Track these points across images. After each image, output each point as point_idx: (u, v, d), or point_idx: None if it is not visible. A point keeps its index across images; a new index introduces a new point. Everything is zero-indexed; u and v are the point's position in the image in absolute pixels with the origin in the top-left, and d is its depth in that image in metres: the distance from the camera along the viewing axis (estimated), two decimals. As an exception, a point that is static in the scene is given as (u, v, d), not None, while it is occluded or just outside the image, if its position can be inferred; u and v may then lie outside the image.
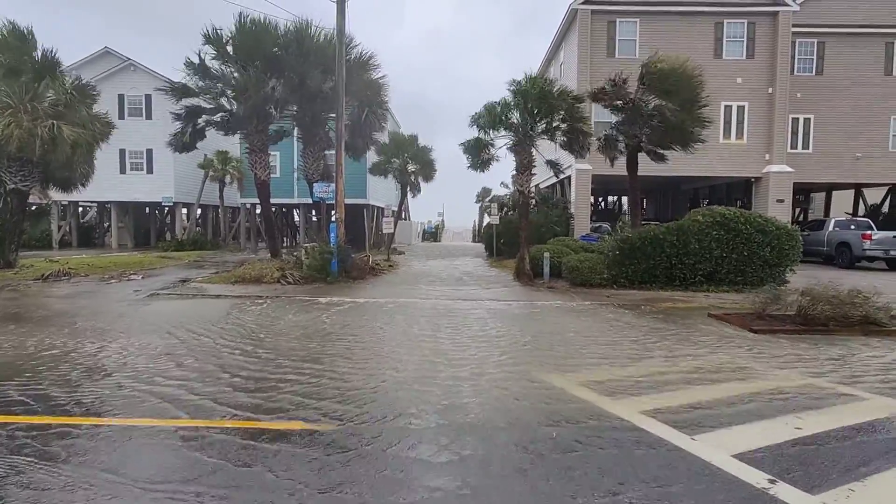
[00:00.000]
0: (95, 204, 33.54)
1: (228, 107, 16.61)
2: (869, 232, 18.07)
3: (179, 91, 16.32)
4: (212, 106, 16.75)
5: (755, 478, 3.30)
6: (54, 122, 13.19)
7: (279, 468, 3.41)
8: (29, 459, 3.51)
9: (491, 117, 14.39)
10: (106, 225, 33.17)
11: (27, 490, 3.11)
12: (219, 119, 16.85)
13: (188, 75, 16.01)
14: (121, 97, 28.19)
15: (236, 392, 4.93)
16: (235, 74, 15.44)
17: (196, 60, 15.81)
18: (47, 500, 3.01)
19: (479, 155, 15.18)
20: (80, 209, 33.71)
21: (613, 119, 15.05)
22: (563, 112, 14.14)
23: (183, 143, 17.03)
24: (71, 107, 14.11)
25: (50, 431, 3.99)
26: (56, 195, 21.69)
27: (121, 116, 27.59)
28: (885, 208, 24.87)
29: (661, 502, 3.03)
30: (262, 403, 4.66)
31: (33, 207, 34.50)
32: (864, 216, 23.03)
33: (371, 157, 24.39)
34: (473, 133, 14.99)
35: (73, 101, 14.14)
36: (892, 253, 17.57)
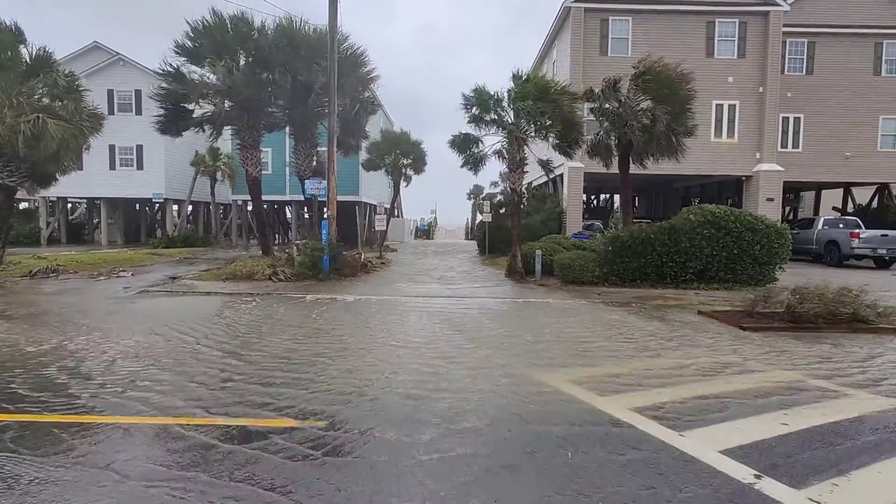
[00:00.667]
0: (85, 200, 33.21)
1: (218, 106, 16.35)
2: (857, 230, 18.26)
3: (174, 79, 15.98)
4: (205, 107, 16.50)
5: (741, 473, 3.33)
6: (39, 115, 13.02)
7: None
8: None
9: (481, 106, 14.29)
10: (95, 221, 32.86)
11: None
12: (205, 115, 16.55)
13: (179, 63, 15.70)
14: (110, 92, 27.89)
15: (214, 399, 4.79)
16: (215, 73, 15.16)
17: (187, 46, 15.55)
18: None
19: (467, 150, 15.14)
20: (70, 205, 33.36)
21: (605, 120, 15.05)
22: (556, 112, 14.09)
23: (169, 126, 16.66)
24: (60, 101, 13.93)
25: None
26: (43, 191, 21.39)
27: (110, 112, 27.27)
28: (874, 207, 25.13)
29: (649, 498, 3.04)
30: (245, 412, 4.62)
31: (21, 205, 34.22)
32: (852, 215, 23.25)
33: (364, 153, 24.32)
34: (465, 123, 14.88)
35: (60, 95, 13.95)
36: (880, 251, 17.78)
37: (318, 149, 18.35)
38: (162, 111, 16.53)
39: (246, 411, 4.36)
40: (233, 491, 3.08)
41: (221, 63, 14.73)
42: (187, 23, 15.22)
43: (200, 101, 15.96)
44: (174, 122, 16.66)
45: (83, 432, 3.91)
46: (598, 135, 15.02)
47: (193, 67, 15.85)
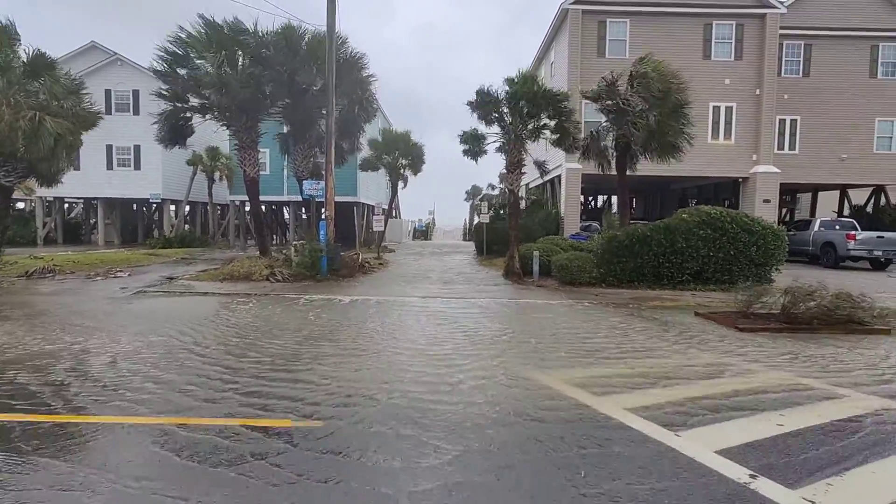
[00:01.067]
0: (82, 200, 33.11)
1: (214, 99, 16.33)
2: (853, 232, 18.33)
3: (167, 77, 15.92)
4: (197, 103, 16.48)
5: (737, 473, 3.35)
6: (37, 112, 13.01)
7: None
8: None
9: (485, 103, 14.44)
10: (92, 222, 32.77)
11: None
12: (200, 105, 16.48)
13: (167, 66, 15.65)
14: (107, 92, 27.82)
15: (199, 410, 4.66)
16: (210, 69, 15.15)
17: (178, 49, 15.52)
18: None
19: (476, 145, 15.31)
20: (66, 206, 33.26)
21: (603, 119, 15.15)
22: (551, 110, 14.20)
23: (171, 136, 16.74)
24: (58, 101, 13.90)
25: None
26: (40, 190, 21.28)
27: (108, 112, 27.18)
28: (870, 209, 25.24)
29: (644, 497, 3.06)
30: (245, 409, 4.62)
31: (18, 205, 34.09)
32: (849, 216, 23.35)
33: (364, 151, 24.32)
34: (474, 119, 15.19)
35: (60, 96, 13.92)
36: (876, 253, 17.85)
37: (317, 151, 18.38)
38: (160, 122, 16.56)
39: (231, 426, 4.01)
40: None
41: (211, 54, 14.72)
42: (176, 39, 15.22)
43: (194, 97, 15.98)
44: (175, 134, 16.68)
45: (63, 434, 3.92)
46: (592, 133, 15.10)
47: (187, 70, 15.86)
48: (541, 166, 16.41)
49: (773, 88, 21.38)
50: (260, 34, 15.72)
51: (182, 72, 15.81)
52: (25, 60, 14.05)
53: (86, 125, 14.59)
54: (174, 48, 15.35)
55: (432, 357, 6.20)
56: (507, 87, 14.20)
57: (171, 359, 5.99)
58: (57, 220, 30.63)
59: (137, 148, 28.39)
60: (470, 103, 14.70)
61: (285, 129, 18.59)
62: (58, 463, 3.41)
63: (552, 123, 14.58)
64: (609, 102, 14.00)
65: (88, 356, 6.08)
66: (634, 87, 13.67)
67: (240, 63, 15.67)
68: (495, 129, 14.96)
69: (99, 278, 13.94)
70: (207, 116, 16.62)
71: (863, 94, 22.74)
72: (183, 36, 15.20)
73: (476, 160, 15.80)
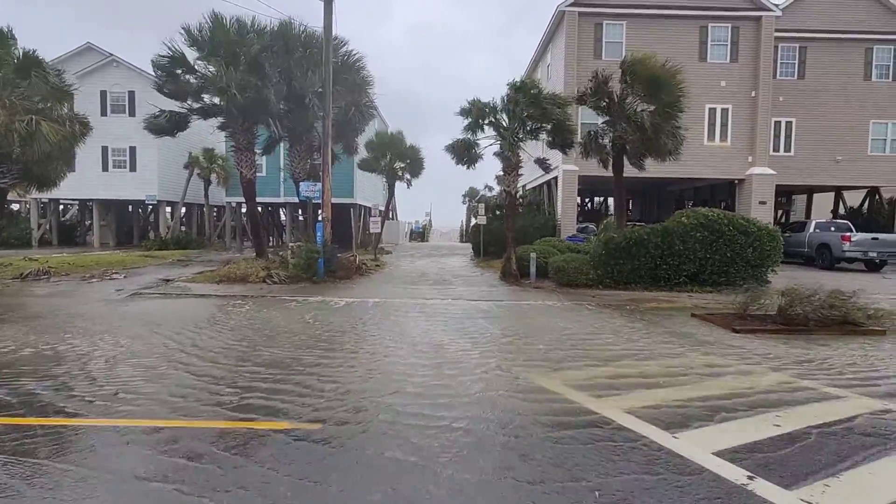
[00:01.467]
0: (77, 202, 32.96)
1: (215, 102, 16.33)
2: (848, 234, 18.42)
3: (168, 78, 15.90)
4: (195, 106, 16.47)
5: (734, 474, 3.35)
6: (33, 116, 12.95)
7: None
8: None
9: (477, 115, 14.49)
10: (88, 223, 32.63)
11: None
12: (198, 108, 16.47)
13: (165, 72, 15.64)
14: (103, 93, 27.73)
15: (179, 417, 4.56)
16: (212, 70, 15.12)
17: (176, 54, 15.52)
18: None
19: (465, 154, 15.30)
20: (61, 207, 33.12)
21: (600, 120, 15.19)
22: (549, 112, 14.27)
23: (160, 126, 16.66)
24: (55, 102, 13.83)
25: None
26: (34, 193, 21.19)
27: (103, 113, 27.15)
28: (865, 210, 25.37)
29: (642, 498, 3.05)
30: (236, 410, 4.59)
31: (13, 206, 33.92)
32: (844, 218, 23.46)
33: (359, 156, 24.31)
34: (463, 129, 15.12)
35: (49, 96, 13.84)
36: (871, 254, 17.94)
37: (315, 154, 18.39)
38: (157, 114, 16.52)
39: (213, 444, 3.71)
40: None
41: (215, 58, 14.74)
42: (186, 32, 15.22)
43: (192, 99, 15.99)
44: (169, 125, 16.64)
45: (52, 436, 3.89)
46: (591, 132, 15.14)
47: (186, 72, 15.85)
48: (542, 163, 16.46)
49: (768, 90, 21.48)
50: (262, 33, 15.72)
51: (180, 73, 15.80)
52: (16, 61, 13.99)
53: (80, 135, 14.49)
54: (173, 53, 15.34)
55: (435, 364, 6.04)
56: (508, 91, 14.25)
57: (162, 363, 5.95)
58: (52, 222, 30.47)
59: (133, 149, 28.29)
60: (463, 110, 14.74)
61: (276, 131, 18.55)
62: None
63: (549, 126, 14.62)
64: (603, 103, 14.03)
65: (86, 359, 6.03)
66: (627, 82, 13.67)
67: (241, 65, 15.67)
68: (489, 133, 15.02)
69: (94, 280, 13.86)
70: (205, 118, 16.61)
71: (857, 97, 22.88)
72: (189, 32, 15.20)
73: (470, 166, 15.87)
